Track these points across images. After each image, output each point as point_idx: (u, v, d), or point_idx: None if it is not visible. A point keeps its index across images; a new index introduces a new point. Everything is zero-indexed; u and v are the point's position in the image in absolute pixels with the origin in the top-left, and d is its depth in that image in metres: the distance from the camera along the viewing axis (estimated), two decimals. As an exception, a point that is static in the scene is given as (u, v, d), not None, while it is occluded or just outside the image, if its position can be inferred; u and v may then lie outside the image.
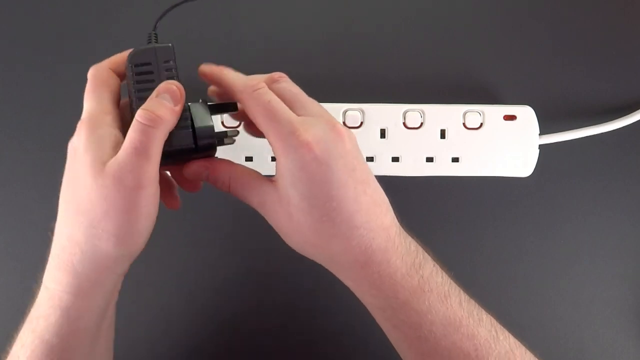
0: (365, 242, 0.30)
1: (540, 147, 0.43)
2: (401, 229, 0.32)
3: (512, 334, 0.32)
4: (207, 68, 0.34)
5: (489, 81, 0.45)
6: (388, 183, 0.44)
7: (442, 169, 0.43)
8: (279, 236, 0.32)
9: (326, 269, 0.32)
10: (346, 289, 0.32)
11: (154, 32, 0.36)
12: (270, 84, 0.32)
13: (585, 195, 0.45)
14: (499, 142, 0.43)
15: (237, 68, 0.45)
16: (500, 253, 0.45)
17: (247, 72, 0.45)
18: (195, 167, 0.32)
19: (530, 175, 0.43)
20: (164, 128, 0.29)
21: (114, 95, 0.33)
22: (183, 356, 0.44)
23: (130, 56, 0.33)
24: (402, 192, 0.44)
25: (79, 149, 0.30)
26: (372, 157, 0.43)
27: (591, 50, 0.46)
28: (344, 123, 0.42)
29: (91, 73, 0.33)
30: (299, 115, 0.31)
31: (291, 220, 0.30)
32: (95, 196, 0.29)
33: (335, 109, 0.43)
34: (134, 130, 0.29)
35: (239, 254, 0.45)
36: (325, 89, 0.45)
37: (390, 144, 0.42)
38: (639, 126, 0.45)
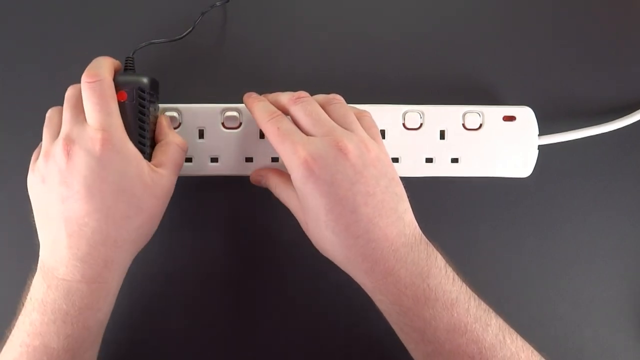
0: (365, 251, 0.32)
1: (540, 147, 0.43)
2: (415, 237, 0.33)
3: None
4: (247, 98, 0.39)
5: (488, 82, 0.45)
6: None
7: (442, 169, 0.43)
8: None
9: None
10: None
11: (130, 57, 0.40)
12: (291, 106, 0.36)
13: (585, 195, 0.45)
14: (499, 142, 0.43)
15: (238, 67, 0.45)
16: (500, 253, 0.45)
17: (249, 74, 0.45)
18: (254, 175, 0.41)
19: (529, 176, 0.43)
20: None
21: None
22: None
23: (146, 84, 0.38)
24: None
25: (115, 163, 0.34)
26: (372, 158, 0.43)
27: (591, 50, 0.46)
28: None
29: (99, 85, 0.35)
30: (311, 134, 0.34)
31: (307, 227, 0.35)
32: (147, 203, 0.35)
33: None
34: (176, 153, 0.38)
35: (236, 252, 0.45)
36: (325, 89, 0.45)
37: (390, 145, 0.42)
38: (639, 126, 0.45)
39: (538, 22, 0.46)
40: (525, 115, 0.43)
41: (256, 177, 0.41)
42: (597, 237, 0.45)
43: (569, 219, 0.45)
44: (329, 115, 0.35)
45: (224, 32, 0.45)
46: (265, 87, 0.44)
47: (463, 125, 0.43)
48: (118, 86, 0.37)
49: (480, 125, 0.43)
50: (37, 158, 0.36)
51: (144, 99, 0.38)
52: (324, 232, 0.33)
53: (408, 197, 0.35)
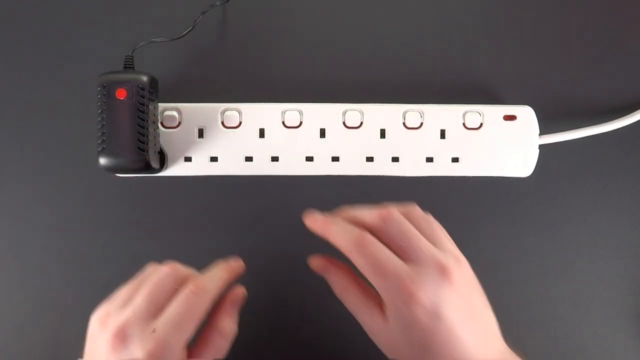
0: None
1: (540, 147, 0.43)
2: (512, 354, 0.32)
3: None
4: (312, 223, 0.33)
5: (488, 81, 0.45)
6: (388, 183, 0.44)
7: (442, 169, 0.43)
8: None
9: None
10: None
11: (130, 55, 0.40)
12: (380, 225, 0.32)
13: (585, 195, 0.45)
14: (499, 142, 0.43)
15: (238, 67, 0.45)
16: (500, 253, 0.45)
17: (249, 73, 0.45)
18: (317, 262, 0.34)
19: (530, 175, 0.43)
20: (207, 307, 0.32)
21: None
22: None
23: (145, 82, 0.38)
24: (401, 192, 0.44)
25: None
26: (372, 157, 0.43)
27: (591, 50, 0.46)
28: (343, 123, 0.42)
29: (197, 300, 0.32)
30: (408, 259, 0.31)
31: (395, 349, 0.31)
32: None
33: (335, 109, 0.43)
34: (221, 348, 0.33)
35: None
36: (325, 89, 0.45)
37: (390, 144, 0.43)
38: (639, 126, 0.45)
39: (538, 22, 0.46)
40: (526, 115, 0.43)
41: (319, 264, 0.34)
42: (597, 237, 0.45)
43: (569, 219, 0.45)
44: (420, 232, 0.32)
45: (224, 31, 0.45)
46: (265, 87, 0.45)
47: (463, 124, 0.43)
48: (117, 84, 0.37)
49: (481, 124, 0.43)
50: (112, 303, 0.33)
51: (143, 97, 0.38)
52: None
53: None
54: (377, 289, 0.30)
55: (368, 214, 0.32)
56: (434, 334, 0.29)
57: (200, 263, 0.44)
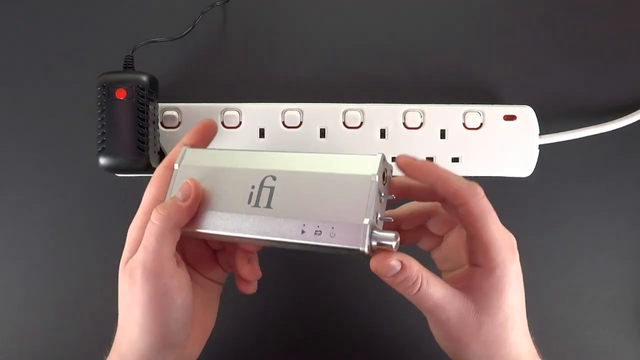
0: (532, 350, 0.33)
1: (540, 147, 0.43)
2: None
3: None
4: (411, 164, 0.30)
5: (489, 81, 0.45)
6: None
7: (442, 169, 0.43)
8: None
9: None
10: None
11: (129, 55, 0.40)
12: (480, 192, 0.30)
13: (585, 195, 0.45)
14: (499, 142, 0.43)
15: (238, 67, 0.45)
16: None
17: (249, 73, 0.45)
18: (388, 261, 0.28)
19: (530, 175, 0.43)
20: (170, 224, 0.30)
21: (165, 196, 0.33)
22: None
23: (145, 82, 0.38)
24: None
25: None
26: (372, 157, 0.43)
27: (591, 50, 0.46)
28: (343, 123, 0.42)
29: (152, 176, 0.33)
30: None
31: (479, 331, 0.30)
32: (121, 291, 0.32)
33: (335, 109, 0.43)
34: (146, 231, 0.30)
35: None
36: (325, 89, 0.45)
37: (390, 144, 0.42)
38: (639, 126, 0.45)
39: (538, 22, 0.46)
40: (526, 115, 0.43)
41: (391, 262, 0.28)
42: (597, 237, 0.45)
43: (569, 219, 0.45)
44: None
45: (224, 31, 0.45)
46: (265, 87, 0.45)
47: (463, 124, 0.43)
48: (117, 84, 0.37)
49: (481, 124, 0.43)
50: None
51: (143, 97, 0.38)
52: (504, 334, 0.30)
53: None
54: (491, 242, 0.29)
55: (460, 179, 0.30)
56: (521, 294, 0.31)
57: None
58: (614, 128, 0.44)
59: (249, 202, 0.30)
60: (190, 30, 0.42)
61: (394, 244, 0.27)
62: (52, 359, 0.44)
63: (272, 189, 0.30)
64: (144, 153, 0.38)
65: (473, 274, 0.30)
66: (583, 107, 0.45)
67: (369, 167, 0.28)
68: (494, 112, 0.43)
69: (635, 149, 0.45)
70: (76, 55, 0.45)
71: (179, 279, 0.31)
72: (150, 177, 0.43)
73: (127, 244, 0.32)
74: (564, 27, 0.46)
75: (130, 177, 0.44)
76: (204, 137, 0.35)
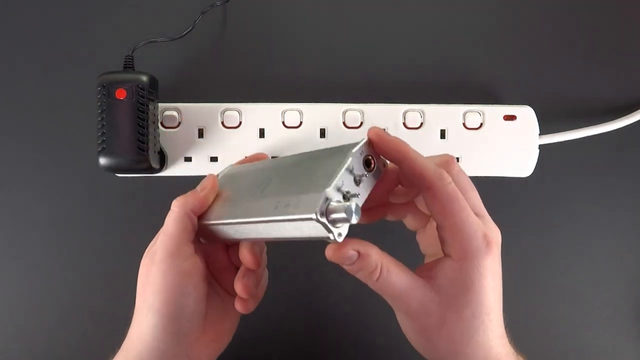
0: (504, 351, 0.30)
1: (540, 147, 0.43)
2: None
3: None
4: (381, 136, 0.28)
5: (489, 81, 0.45)
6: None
7: (442, 169, 0.43)
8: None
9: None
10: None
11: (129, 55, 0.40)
12: (454, 167, 0.30)
13: (585, 195, 0.45)
14: (499, 142, 0.43)
15: (238, 67, 0.45)
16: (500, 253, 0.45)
17: (249, 73, 0.45)
18: (344, 250, 0.27)
19: (530, 175, 0.43)
20: (186, 209, 0.32)
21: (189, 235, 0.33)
22: None
23: (145, 82, 0.38)
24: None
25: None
26: (372, 157, 0.43)
27: (591, 50, 0.46)
28: (343, 123, 0.42)
29: (174, 213, 0.33)
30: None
31: (442, 325, 0.28)
32: (140, 274, 0.33)
33: (335, 109, 0.43)
34: (166, 219, 0.32)
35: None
36: (325, 89, 0.45)
37: (390, 144, 0.42)
38: (639, 126, 0.45)
39: (538, 22, 0.46)
40: (526, 115, 0.43)
41: (347, 252, 0.27)
42: (597, 237, 0.45)
43: (569, 219, 0.45)
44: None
45: (224, 31, 0.45)
46: (265, 86, 0.45)
47: (464, 124, 0.43)
48: (117, 84, 0.37)
49: (481, 124, 0.43)
50: None
51: (143, 97, 0.38)
52: (469, 332, 0.28)
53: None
54: (454, 231, 0.28)
55: (431, 158, 0.30)
56: (497, 291, 0.29)
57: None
58: (614, 128, 0.44)
59: (250, 193, 0.32)
60: (190, 30, 0.42)
61: (351, 217, 0.24)
62: (52, 359, 0.44)
63: (270, 179, 0.31)
64: (144, 153, 0.38)
65: (442, 264, 0.29)
66: (583, 107, 0.45)
67: (352, 147, 0.28)
68: (494, 112, 0.43)
69: (635, 149, 0.45)
70: (76, 55, 0.45)
71: (193, 264, 0.32)
72: (150, 177, 0.43)
73: (155, 237, 0.34)
74: (564, 27, 0.46)
75: (130, 177, 0.44)
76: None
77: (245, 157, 0.40)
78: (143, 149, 0.38)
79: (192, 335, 0.32)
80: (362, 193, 0.27)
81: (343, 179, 0.26)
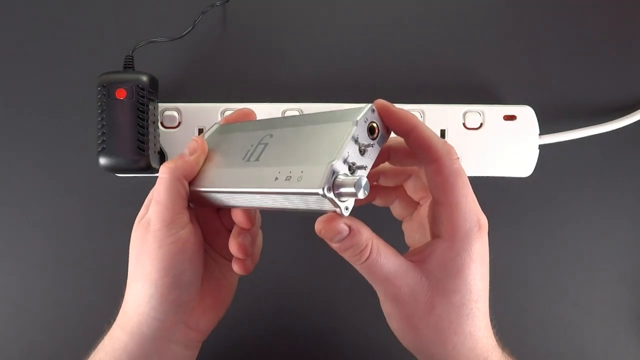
0: (490, 343, 0.29)
1: (540, 147, 0.43)
2: None
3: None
4: (388, 107, 0.27)
5: (489, 81, 0.45)
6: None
7: (442, 169, 0.43)
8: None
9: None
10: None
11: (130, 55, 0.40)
12: (453, 155, 0.28)
13: (585, 195, 0.45)
14: (499, 142, 0.43)
15: (238, 67, 0.45)
16: (500, 253, 0.45)
17: (249, 73, 0.45)
18: (335, 224, 0.26)
19: (530, 175, 0.43)
20: (176, 174, 0.31)
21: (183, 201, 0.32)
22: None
23: (145, 82, 0.38)
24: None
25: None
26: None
27: (591, 50, 0.46)
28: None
29: (164, 180, 0.31)
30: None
31: (431, 311, 0.27)
32: (133, 244, 0.32)
33: (335, 109, 0.43)
34: (156, 185, 0.31)
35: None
36: (325, 89, 0.45)
37: (390, 144, 0.42)
38: (639, 126, 0.45)
39: (538, 22, 0.46)
40: (526, 115, 0.43)
41: (337, 225, 0.26)
42: (597, 237, 0.45)
43: (569, 219, 0.45)
44: None
45: (223, 31, 0.45)
46: (265, 86, 0.45)
47: (463, 124, 0.43)
48: (117, 84, 0.37)
49: (481, 124, 0.43)
50: None
51: (143, 97, 0.38)
52: (458, 319, 0.27)
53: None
54: (452, 209, 0.27)
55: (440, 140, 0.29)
56: (484, 278, 0.28)
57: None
58: (614, 128, 0.44)
59: (243, 158, 0.30)
60: (190, 30, 0.42)
61: (359, 191, 0.23)
62: (52, 358, 0.44)
63: (265, 145, 0.29)
64: (144, 153, 0.38)
65: (433, 246, 0.28)
66: (583, 107, 0.45)
67: (354, 114, 0.26)
68: (494, 112, 0.43)
69: (635, 149, 0.45)
70: (76, 55, 0.45)
71: (189, 231, 0.31)
72: (150, 177, 0.43)
73: (144, 205, 0.33)
74: (564, 27, 0.46)
75: (130, 177, 0.44)
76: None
77: (232, 114, 0.35)
78: (143, 149, 0.38)
79: (190, 304, 0.32)
80: (368, 164, 0.26)
81: (349, 149, 0.25)
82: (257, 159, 0.29)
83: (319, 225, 0.26)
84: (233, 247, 0.32)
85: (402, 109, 0.27)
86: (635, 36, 0.46)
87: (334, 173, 0.24)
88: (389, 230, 0.30)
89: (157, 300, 0.30)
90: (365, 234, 0.26)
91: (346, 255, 0.27)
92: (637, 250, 0.45)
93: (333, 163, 0.24)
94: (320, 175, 0.24)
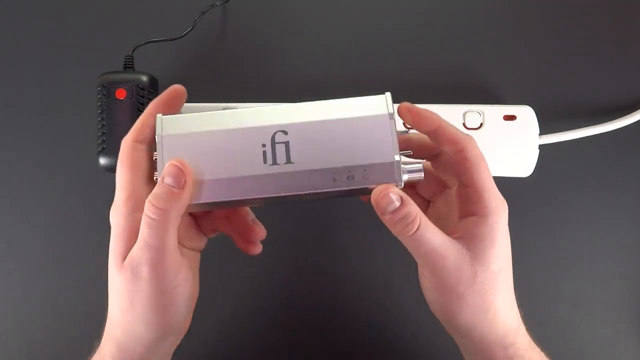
0: (516, 314, 0.33)
1: (540, 147, 0.43)
2: None
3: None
4: (413, 109, 0.31)
5: (489, 81, 0.45)
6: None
7: (442, 169, 0.43)
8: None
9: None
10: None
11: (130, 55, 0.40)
12: (472, 141, 0.32)
13: (585, 195, 0.45)
14: (499, 142, 0.43)
15: (238, 66, 0.45)
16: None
17: (249, 73, 0.45)
18: (389, 194, 0.28)
19: (530, 175, 0.43)
20: (171, 216, 0.28)
21: (143, 173, 0.30)
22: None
23: (145, 82, 0.38)
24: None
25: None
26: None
27: (591, 50, 0.46)
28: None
29: (120, 152, 0.30)
30: None
31: (474, 279, 0.29)
32: (120, 289, 0.30)
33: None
34: (144, 225, 0.28)
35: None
36: (325, 88, 0.45)
37: (390, 144, 0.42)
38: (639, 126, 0.45)
39: (538, 22, 0.46)
40: (526, 115, 0.43)
41: (389, 198, 0.28)
42: (597, 237, 0.45)
43: (569, 219, 0.45)
44: None
45: (223, 31, 0.45)
46: (265, 86, 0.45)
47: (463, 124, 0.43)
48: (117, 84, 0.37)
49: (481, 124, 0.43)
50: None
51: (143, 97, 0.38)
52: (499, 285, 0.30)
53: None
54: (483, 190, 0.30)
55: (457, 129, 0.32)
56: (509, 247, 0.31)
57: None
58: (614, 128, 0.44)
59: (265, 161, 0.29)
60: (190, 30, 0.42)
61: (422, 174, 0.29)
62: (52, 358, 0.44)
63: (286, 144, 0.29)
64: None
65: (467, 223, 0.30)
66: (583, 107, 0.45)
67: (380, 106, 0.29)
68: (494, 112, 0.43)
69: (635, 149, 0.45)
70: (76, 55, 0.45)
71: (185, 272, 0.30)
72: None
73: (116, 236, 0.30)
74: (564, 27, 0.46)
75: (130, 177, 0.44)
76: (172, 106, 0.31)
77: (162, 95, 0.31)
78: None
79: (185, 322, 0.33)
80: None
81: (396, 137, 0.29)
82: (288, 161, 0.29)
83: (374, 196, 0.28)
84: (254, 231, 0.34)
85: (424, 109, 0.31)
86: (635, 36, 0.46)
87: (399, 164, 0.28)
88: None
89: (157, 338, 0.31)
90: (414, 205, 0.28)
91: (397, 228, 0.28)
92: (637, 250, 0.45)
93: (398, 158, 0.29)
94: (392, 170, 0.29)
